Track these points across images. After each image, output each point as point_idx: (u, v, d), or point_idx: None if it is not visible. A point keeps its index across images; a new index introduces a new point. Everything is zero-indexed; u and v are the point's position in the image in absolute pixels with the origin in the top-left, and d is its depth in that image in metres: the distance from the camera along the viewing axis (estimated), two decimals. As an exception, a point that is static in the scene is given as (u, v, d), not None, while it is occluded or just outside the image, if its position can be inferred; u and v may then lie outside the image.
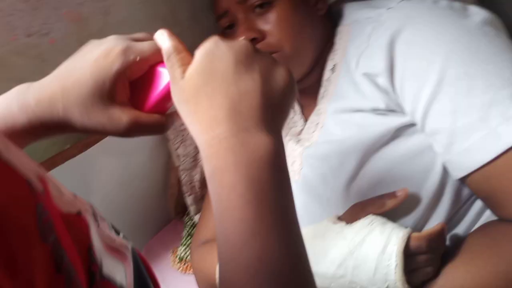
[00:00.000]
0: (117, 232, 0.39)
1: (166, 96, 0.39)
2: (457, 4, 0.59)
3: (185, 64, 0.37)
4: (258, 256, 0.28)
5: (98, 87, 0.37)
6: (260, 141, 0.32)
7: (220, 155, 0.32)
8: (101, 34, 0.78)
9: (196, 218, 0.85)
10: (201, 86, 0.35)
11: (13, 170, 0.20)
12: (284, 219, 0.31)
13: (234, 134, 0.32)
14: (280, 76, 0.36)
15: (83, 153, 0.73)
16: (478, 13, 0.58)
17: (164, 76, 0.40)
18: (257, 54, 0.36)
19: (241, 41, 0.37)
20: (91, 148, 0.73)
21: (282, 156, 0.34)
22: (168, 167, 0.85)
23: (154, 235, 0.92)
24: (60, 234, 0.21)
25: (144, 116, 0.39)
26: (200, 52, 0.37)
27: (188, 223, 0.87)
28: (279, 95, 0.36)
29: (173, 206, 0.90)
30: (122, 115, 0.38)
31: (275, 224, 0.30)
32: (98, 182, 0.80)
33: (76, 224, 0.27)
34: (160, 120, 0.40)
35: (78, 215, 0.28)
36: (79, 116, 0.37)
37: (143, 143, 0.82)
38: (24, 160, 0.23)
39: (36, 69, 0.69)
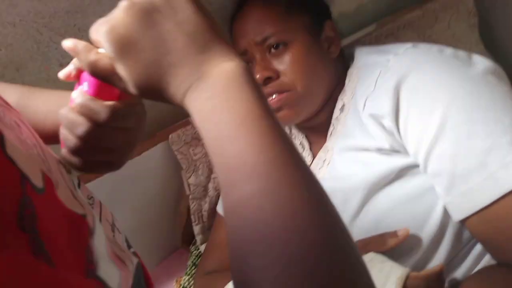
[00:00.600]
0: (129, 247, 0.42)
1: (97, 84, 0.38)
2: (462, 53, 0.62)
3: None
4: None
5: None
6: (230, 65, 0.31)
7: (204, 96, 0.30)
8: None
9: (202, 248, 0.86)
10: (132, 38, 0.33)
11: (10, 164, 0.24)
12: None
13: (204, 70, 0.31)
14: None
15: (100, 178, 0.77)
16: (481, 62, 0.60)
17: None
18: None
19: None
20: (107, 174, 0.77)
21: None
22: (179, 196, 0.88)
23: (160, 262, 0.94)
24: (43, 228, 0.24)
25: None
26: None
27: (194, 252, 0.88)
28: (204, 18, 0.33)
29: (180, 235, 0.92)
30: None
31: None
32: (110, 207, 0.83)
33: (77, 222, 0.30)
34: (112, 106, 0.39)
35: (83, 217, 0.31)
36: None
37: (157, 171, 0.85)
38: (31, 159, 0.26)
39: (66, 97, 0.74)
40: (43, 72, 0.70)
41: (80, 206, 0.32)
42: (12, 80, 0.68)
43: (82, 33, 0.70)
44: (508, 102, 0.56)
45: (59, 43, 0.69)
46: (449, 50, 0.63)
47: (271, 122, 0.29)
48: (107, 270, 0.30)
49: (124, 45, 0.33)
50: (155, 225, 0.91)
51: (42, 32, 0.67)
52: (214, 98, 0.30)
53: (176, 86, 0.32)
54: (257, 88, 0.31)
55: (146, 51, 0.32)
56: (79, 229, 0.30)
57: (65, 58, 0.71)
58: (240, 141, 0.28)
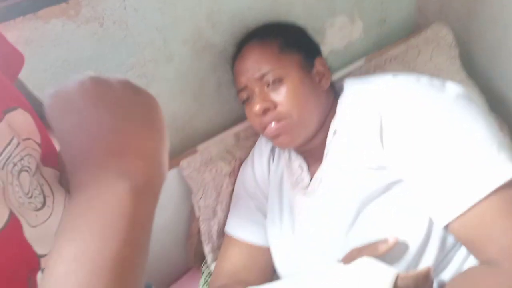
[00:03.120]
0: None
1: None
2: (437, 81, 0.71)
3: None
4: None
5: None
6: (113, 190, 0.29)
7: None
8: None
9: (213, 266, 0.92)
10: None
11: None
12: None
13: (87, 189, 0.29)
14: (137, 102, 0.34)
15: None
16: (454, 88, 0.69)
17: None
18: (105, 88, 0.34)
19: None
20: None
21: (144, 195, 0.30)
22: (190, 218, 0.94)
23: (173, 282, 0.99)
24: None
25: None
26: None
27: (205, 271, 0.93)
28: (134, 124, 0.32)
29: (192, 255, 0.97)
30: None
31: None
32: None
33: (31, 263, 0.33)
34: None
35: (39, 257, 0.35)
36: None
37: (170, 195, 0.92)
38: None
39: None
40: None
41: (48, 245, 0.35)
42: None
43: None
44: (479, 120, 0.64)
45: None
46: (425, 79, 0.72)
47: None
48: None
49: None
50: (168, 247, 0.97)
51: (68, 76, 0.77)
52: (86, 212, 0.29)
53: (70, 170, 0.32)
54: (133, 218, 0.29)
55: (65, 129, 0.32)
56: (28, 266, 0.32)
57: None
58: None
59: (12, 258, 0.32)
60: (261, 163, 0.89)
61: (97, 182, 0.29)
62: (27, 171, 0.36)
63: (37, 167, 0.38)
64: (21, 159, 0.36)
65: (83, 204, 0.29)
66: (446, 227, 0.62)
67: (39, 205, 0.37)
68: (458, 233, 0.61)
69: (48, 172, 0.40)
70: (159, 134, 0.34)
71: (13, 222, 0.32)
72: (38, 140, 0.39)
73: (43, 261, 0.35)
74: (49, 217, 0.38)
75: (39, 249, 0.35)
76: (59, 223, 0.33)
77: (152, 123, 0.34)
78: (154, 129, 0.34)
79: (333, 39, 1.10)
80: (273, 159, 0.89)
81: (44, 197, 0.38)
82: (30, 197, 0.36)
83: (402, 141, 0.65)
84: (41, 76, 0.74)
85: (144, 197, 0.30)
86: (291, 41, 0.82)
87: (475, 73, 1.15)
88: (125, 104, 0.33)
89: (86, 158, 0.31)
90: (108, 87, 0.34)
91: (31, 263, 0.34)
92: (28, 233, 0.34)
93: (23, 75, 0.73)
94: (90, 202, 0.29)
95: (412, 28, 1.25)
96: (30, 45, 0.72)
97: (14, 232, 0.32)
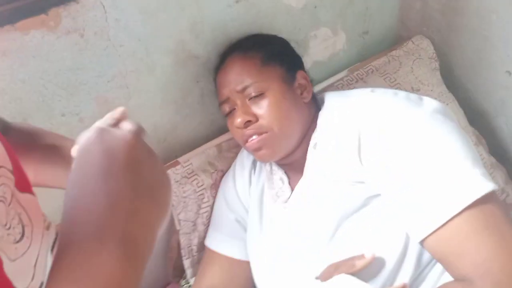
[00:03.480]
0: None
1: None
2: (414, 96, 0.72)
3: None
4: None
5: None
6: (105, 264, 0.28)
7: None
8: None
9: (192, 281, 0.91)
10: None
11: None
12: None
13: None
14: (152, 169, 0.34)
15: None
16: (430, 103, 0.70)
17: None
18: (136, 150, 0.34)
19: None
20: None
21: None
22: (170, 232, 0.94)
23: (152, 296, 0.98)
24: None
25: None
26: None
27: (185, 286, 0.93)
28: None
29: (171, 269, 0.96)
30: None
31: None
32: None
33: None
34: None
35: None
36: None
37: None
38: None
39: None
40: (47, 122, 0.78)
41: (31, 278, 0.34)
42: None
43: (82, 86, 0.80)
44: (455, 135, 0.65)
45: (62, 96, 0.78)
46: (402, 94, 0.73)
47: None
48: None
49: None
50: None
51: (48, 87, 0.76)
52: None
53: None
54: None
55: None
56: None
57: (66, 108, 0.80)
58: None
59: None
60: (243, 176, 0.89)
61: (88, 246, 0.29)
62: (2, 201, 0.35)
63: (12, 195, 0.37)
64: None
65: (72, 268, 0.28)
66: (422, 243, 0.63)
67: (18, 237, 0.36)
68: (433, 249, 0.62)
69: (25, 198, 0.40)
70: (162, 209, 0.34)
71: None
72: (10, 167, 0.39)
73: None
74: (28, 248, 0.37)
75: (18, 284, 0.34)
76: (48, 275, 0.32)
77: (158, 195, 0.34)
78: (159, 203, 0.34)
79: (316, 50, 1.11)
80: (254, 171, 0.89)
81: (23, 227, 0.37)
82: (9, 229, 0.35)
83: (379, 157, 0.66)
84: (19, 87, 0.74)
85: (133, 266, 0.30)
86: (273, 54, 0.82)
87: (455, 85, 1.17)
88: (134, 170, 0.33)
89: (82, 225, 0.30)
90: (118, 151, 0.33)
91: None
92: (8, 268, 0.33)
93: (1, 87, 0.72)
94: (80, 266, 0.28)
95: (395, 40, 1.27)
96: (8, 56, 0.71)
97: None
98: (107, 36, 0.79)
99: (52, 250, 0.43)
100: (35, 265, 0.39)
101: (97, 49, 0.79)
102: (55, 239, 0.44)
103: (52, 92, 0.77)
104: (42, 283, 0.40)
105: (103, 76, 0.81)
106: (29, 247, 0.38)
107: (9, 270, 0.33)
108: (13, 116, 0.75)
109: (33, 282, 0.38)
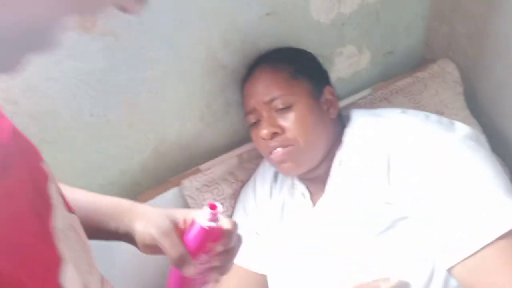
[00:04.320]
0: None
1: (195, 240, 0.49)
2: (445, 120, 0.72)
3: None
4: None
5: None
6: None
7: None
8: (146, 121, 0.92)
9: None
10: None
11: None
12: None
13: None
14: None
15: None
16: (462, 128, 0.69)
17: (195, 226, 0.49)
18: None
19: None
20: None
21: None
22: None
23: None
24: None
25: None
26: None
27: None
28: None
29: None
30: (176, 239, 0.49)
31: None
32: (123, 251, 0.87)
33: None
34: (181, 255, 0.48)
35: None
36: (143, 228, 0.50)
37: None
38: None
39: (91, 142, 0.83)
40: (75, 121, 0.79)
41: None
42: (47, 125, 0.76)
43: (112, 88, 0.80)
44: (487, 162, 0.64)
45: (92, 96, 0.79)
46: (434, 117, 0.72)
47: None
48: None
49: None
50: (165, 267, 0.95)
51: (79, 86, 0.77)
52: None
53: None
54: None
55: None
56: None
57: (95, 108, 0.80)
58: None
59: None
60: (263, 188, 0.89)
61: None
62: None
63: None
64: None
65: None
66: (449, 270, 0.61)
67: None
68: (461, 277, 0.60)
69: None
70: None
71: None
72: None
73: None
74: None
75: None
76: None
77: None
78: None
79: (341, 67, 1.11)
80: (275, 184, 0.89)
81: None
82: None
83: (409, 179, 0.65)
84: (52, 85, 0.74)
85: None
86: (302, 68, 0.82)
87: (478, 111, 1.16)
88: None
89: None
90: None
91: None
92: None
93: (35, 84, 0.73)
94: None
95: (418, 62, 1.26)
96: (42, 54, 0.71)
97: None
98: (140, 41, 0.79)
99: None
100: None
101: (129, 53, 0.79)
102: None
103: (83, 92, 0.78)
104: None
105: (133, 80, 0.82)
106: None
107: None
108: (44, 112, 0.75)
109: None
